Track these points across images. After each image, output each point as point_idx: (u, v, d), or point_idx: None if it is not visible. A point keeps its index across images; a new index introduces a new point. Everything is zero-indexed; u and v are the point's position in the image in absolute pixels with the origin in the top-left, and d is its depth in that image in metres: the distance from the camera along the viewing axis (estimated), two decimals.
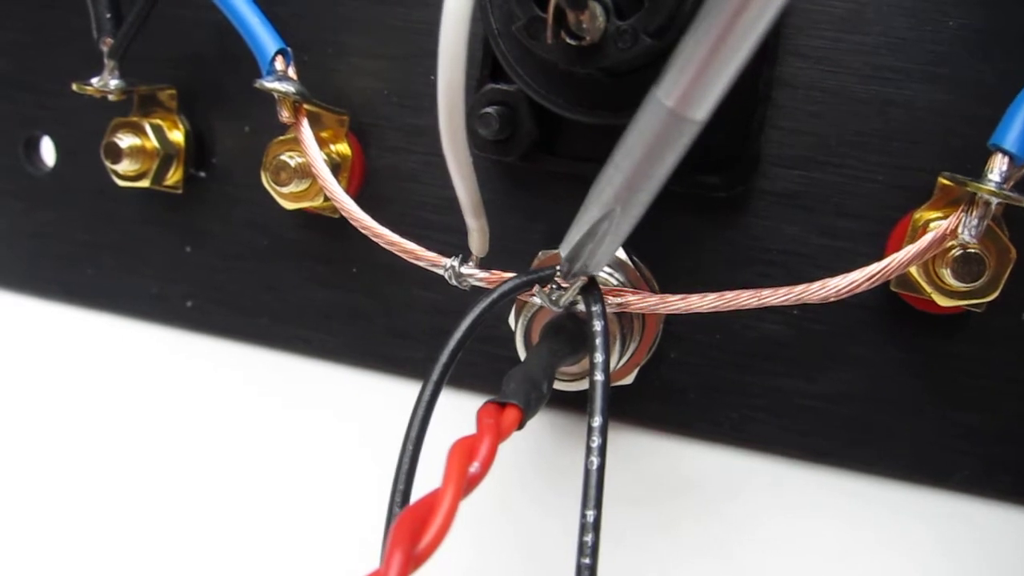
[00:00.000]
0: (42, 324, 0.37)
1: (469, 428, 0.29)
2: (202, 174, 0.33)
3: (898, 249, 0.27)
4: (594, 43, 0.21)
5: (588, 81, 0.24)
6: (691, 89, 0.18)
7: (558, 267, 0.24)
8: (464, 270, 0.25)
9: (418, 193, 0.31)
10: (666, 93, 0.19)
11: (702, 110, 0.19)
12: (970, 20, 0.26)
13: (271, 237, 0.33)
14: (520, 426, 0.21)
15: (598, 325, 0.22)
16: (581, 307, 0.24)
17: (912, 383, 0.28)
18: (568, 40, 0.22)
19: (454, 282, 0.26)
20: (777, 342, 0.29)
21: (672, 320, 0.29)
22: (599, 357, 0.22)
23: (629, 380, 0.29)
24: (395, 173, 0.31)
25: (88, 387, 0.36)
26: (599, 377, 0.21)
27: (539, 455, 0.31)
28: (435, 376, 0.22)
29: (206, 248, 0.34)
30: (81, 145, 0.35)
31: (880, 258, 0.28)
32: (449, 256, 0.26)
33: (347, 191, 0.31)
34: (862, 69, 0.27)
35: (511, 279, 0.23)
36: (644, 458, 0.30)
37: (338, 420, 0.34)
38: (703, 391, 0.30)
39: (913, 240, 0.26)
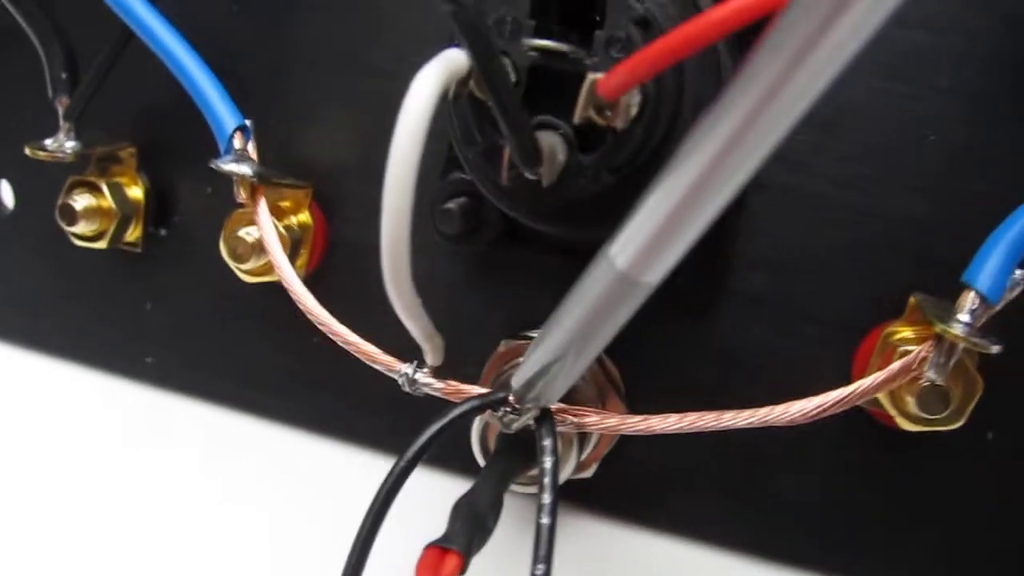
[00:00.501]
0: (4, 367, 0.36)
1: (427, 506, 0.29)
2: (163, 232, 0.32)
3: (866, 361, 0.27)
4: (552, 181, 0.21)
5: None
6: (646, 254, 0.17)
7: (512, 390, 0.23)
8: (419, 378, 0.25)
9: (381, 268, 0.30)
10: (618, 253, 0.18)
11: (656, 274, 0.18)
12: (953, 137, 0.25)
13: (233, 301, 0.32)
14: (462, 572, 0.20)
15: (548, 462, 0.22)
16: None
17: (873, 494, 0.27)
18: (526, 173, 0.21)
19: (407, 389, 0.25)
20: (741, 442, 0.28)
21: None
22: (547, 498, 0.21)
23: (588, 474, 0.29)
24: (359, 246, 0.30)
25: (43, 434, 0.36)
26: (545, 520, 0.21)
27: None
28: (378, 504, 0.22)
29: (167, 307, 0.33)
30: (40, 191, 0.34)
31: (847, 367, 0.27)
32: (406, 359, 0.25)
33: (309, 262, 0.30)
34: (840, 176, 0.26)
35: (462, 404, 0.23)
36: (599, 548, 0.30)
37: (295, 486, 0.33)
38: (664, 484, 0.29)
39: (882, 355, 0.26)
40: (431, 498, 0.31)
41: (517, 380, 0.22)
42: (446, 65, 0.17)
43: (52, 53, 0.29)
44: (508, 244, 0.28)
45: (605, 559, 0.30)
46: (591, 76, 0.19)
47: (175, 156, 0.32)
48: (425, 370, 0.25)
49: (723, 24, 0.15)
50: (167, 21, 0.27)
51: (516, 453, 0.24)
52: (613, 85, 0.18)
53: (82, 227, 0.30)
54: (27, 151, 0.29)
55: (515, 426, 0.23)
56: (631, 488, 0.29)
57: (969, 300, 0.23)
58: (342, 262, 0.31)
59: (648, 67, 0.16)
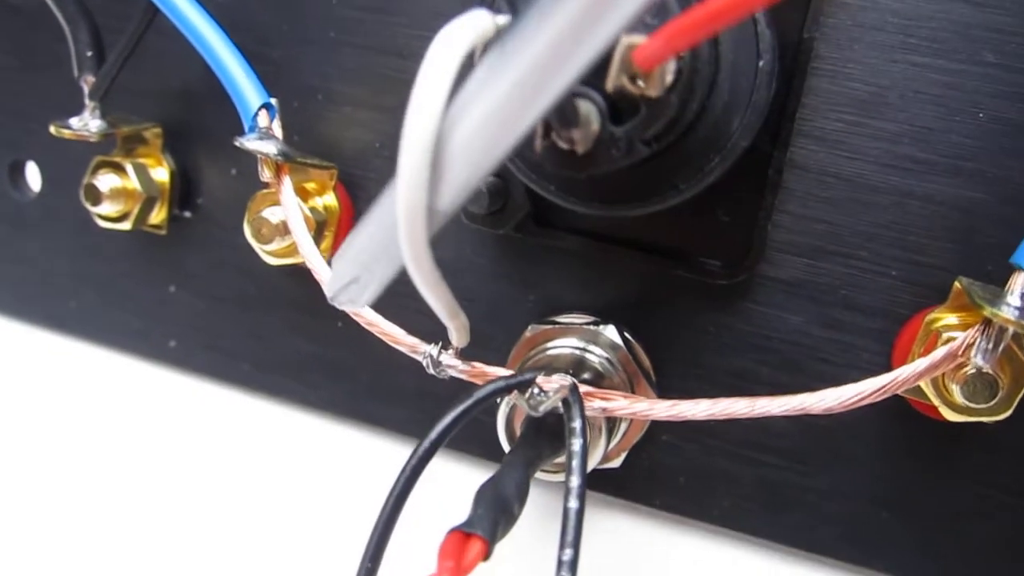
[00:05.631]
0: (26, 346, 0.36)
1: (449, 493, 0.29)
2: (187, 214, 0.32)
3: (907, 349, 0.26)
4: (586, 150, 0.20)
5: None
6: None
7: (540, 372, 0.23)
8: (444, 359, 0.24)
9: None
10: None
11: None
12: (1003, 114, 0.24)
13: (257, 285, 0.32)
14: (486, 558, 0.20)
15: (576, 443, 0.21)
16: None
17: (912, 487, 0.26)
18: (559, 144, 0.20)
19: (432, 371, 0.24)
20: (775, 432, 0.27)
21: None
22: (575, 481, 0.20)
23: (617, 463, 0.28)
24: None
25: (64, 414, 0.36)
26: (572, 504, 0.20)
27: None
28: (400, 486, 0.21)
29: (191, 289, 0.33)
30: (66, 173, 0.33)
31: (887, 355, 0.26)
32: (430, 341, 0.25)
33: (333, 244, 0.30)
34: (881, 157, 0.25)
35: (488, 384, 0.22)
36: (626, 539, 0.29)
37: (316, 470, 0.33)
38: (694, 476, 0.28)
39: (924, 342, 0.25)
40: (455, 483, 0.30)
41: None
42: (472, 25, 0.17)
43: (77, 31, 0.29)
44: (534, 227, 0.27)
45: (632, 550, 0.29)
46: (624, 41, 0.18)
47: (201, 137, 0.31)
48: (450, 351, 0.24)
49: None
50: None
51: (543, 438, 0.24)
52: (650, 54, 0.17)
53: (107, 208, 0.30)
54: (52, 130, 0.29)
55: (543, 408, 0.23)
56: (659, 478, 0.29)
57: (1020, 282, 0.22)
58: None
59: (687, 36, 0.16)
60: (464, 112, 0.16)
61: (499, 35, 0.17)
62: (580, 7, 0.14)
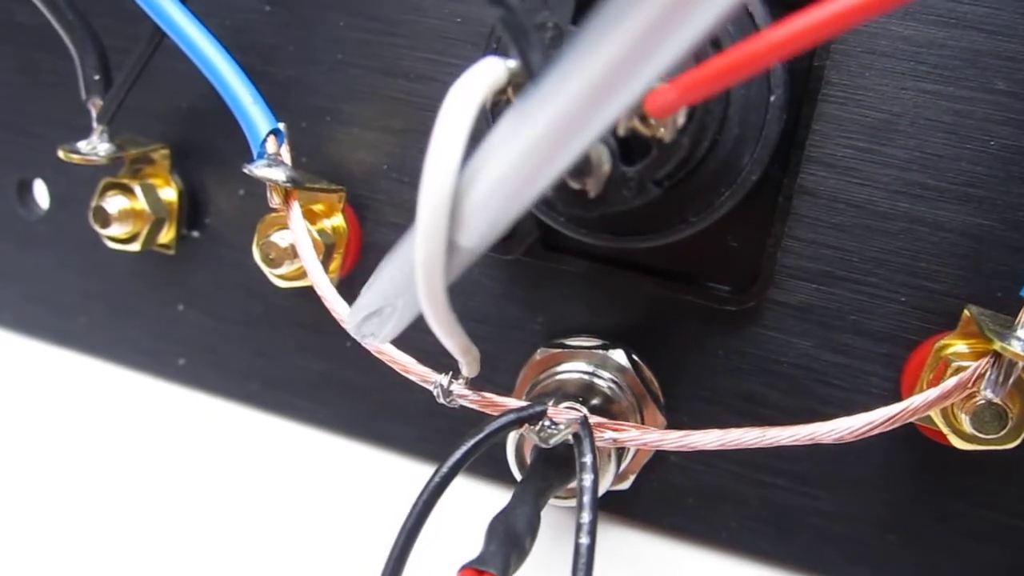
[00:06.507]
0: (36, 362, 0.36)
1: (464, 515, 0.29)
2: (196, 234, 0.32)
3: (916, 375, 0.26)
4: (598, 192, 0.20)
5: None
6: None
7: (551, 401, 0.23)
8: (454, 388, 0.24)
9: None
10: None
11: None
12: (1013, 142, 0.24)
13: (265, 304, 0.32)
14: None
15: (587, 479, 0.21)
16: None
17: (918, 511, 0.27)
18: (571, 184, 0.20)
19: (442, 400, 0.24)
20: (783, 455, 0.27)
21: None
22: (586, 517, 0.21)
23: (626, 485, 0.28)
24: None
25: (74, 430, 0.36)
26: (584, 540, 0.20)
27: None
28: (411, 521, 0.21)
29: (199, 308, 0.33)
30: (73, 192, 0.33)
31: (896, 381, 0.26)
32: (441, 368, 0.25)
33: (342, 266, 0.30)
34: (892, 184, 0.25)
35: (499, 418, 0.22)
36: (637, 561, 0.30)
37: (325, 489, 0.33)
38: (703, 497, 0.29)
39: (934, 369, 0.25)
40: (466, 507, 0.30)
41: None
42: (485, 76, 0.17)
43: (84, 54, 0.29)
44: (543, 251, 0.27)
45: (640, 569, 0.30)
46: None
47: (208, 157, 0.31)
48: (460, 381, 0.24)
49: (784, 47, 0.14)
50: (199, 22, 0.27)
51: (552, 468, 0.24)
52: (662, 105, 0.17)
53: (116, 229, 0.30)
54: (60, 154, 0.29)
55: (553, 441, 0.23)
56: (669, 500, 0.29)
57: None
58: (376, 266, 0.30)
59: (701, 89, 0.16)
60: (485, 166, 0.16)
61: (515, 83, 0.17)
62: (606, 67, 0.13)
